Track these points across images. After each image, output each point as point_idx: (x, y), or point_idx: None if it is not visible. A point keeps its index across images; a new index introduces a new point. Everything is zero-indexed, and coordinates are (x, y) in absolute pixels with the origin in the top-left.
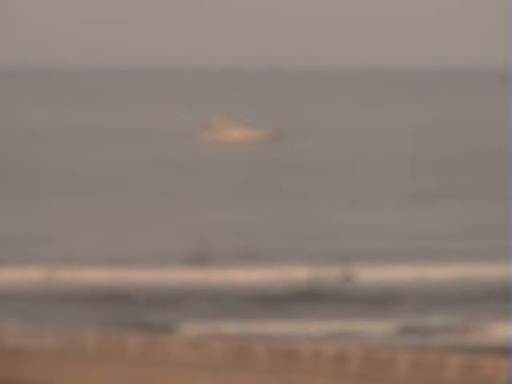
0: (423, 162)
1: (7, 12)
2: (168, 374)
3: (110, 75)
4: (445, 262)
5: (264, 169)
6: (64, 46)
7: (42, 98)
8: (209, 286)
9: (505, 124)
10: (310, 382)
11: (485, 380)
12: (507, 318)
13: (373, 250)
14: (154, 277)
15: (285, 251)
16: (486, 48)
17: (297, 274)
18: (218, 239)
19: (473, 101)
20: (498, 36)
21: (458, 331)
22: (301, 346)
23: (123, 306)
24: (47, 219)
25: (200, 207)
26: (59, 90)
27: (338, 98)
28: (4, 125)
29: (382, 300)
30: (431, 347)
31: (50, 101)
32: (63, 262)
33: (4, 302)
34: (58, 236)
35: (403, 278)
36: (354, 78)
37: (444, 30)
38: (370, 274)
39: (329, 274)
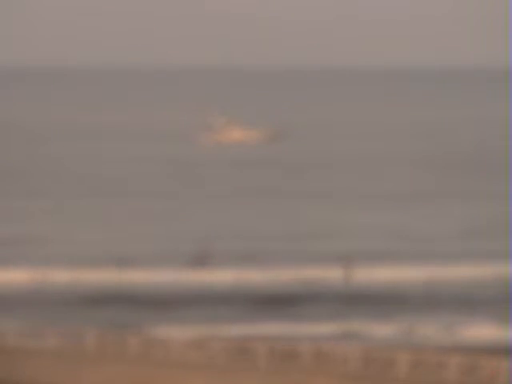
0: (423, 162)
1: (7, 12)
2: (168, 374)
3: (110, 75)
4: (445, 262)
5: (264, 169)
6: (64, 46)
7: (42, 98)
8: (209, 286)
9: (505, 124)
10: (310, 382)
11: (485, 380)
12: (507, 318)
13: (373, 251)
14: (154, 277)
15: (285, 251)
16: (486, 48)
17: (296, 275)
18: (218, 240)
19: (473, 101)
20: (498, 36)
21: (458, 331)
22: (301, 346)
23: (123, 307)
24: (47, 219)
25: (200, 208)
26: (59, 90)
27: (338, 97)
28: (4, 125)
29: (382, 300)
30: (431, 347)
31: (50, 101)
32: (63, 262)
33: (4, 303)
34: (58, 236)
35: (403, 278)
36: (354, 78)
37: (444, 30)
38: (369, 275)
39: (329, 274)
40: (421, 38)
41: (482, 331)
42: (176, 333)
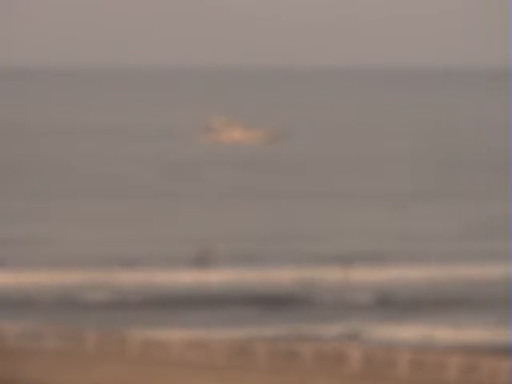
0: (423, 161)
1: (7, 12)
2: (168, 374)
3: (110, 75)
4: (445, 262)
5: (264, 169)
6: (64, 46)
7: (42, 98)
8: (209, 286)
9: (505, 124)
10: (310, 382)
11: (485, 380)
12: (507, 318)
13: (372, 251)
14: (154, 278)
15: (284, 252)
16: (485, 48)
17: (296, 275)
18: (218, 240)
19: (473, 101)
20: (498, 36)
21: (458, 331)
22: (301, 346)
23: (123, 307)
24: (47, 220)
25: (200, 208)
26: (59, 90)
27: (338, 97)
28: (4, 125)
29: (382, 301)
30: (431, 347)
31: (50, 101)
32: (63, 263)
33: (4, 303)
34: (58, 237)
35: (403, 278)
36: (354, 78)
37: (444, 30)
38: (369, 275)
39: (328, 274)
40: (421, 37)
41: (482, 331)
42: (176, 333)
